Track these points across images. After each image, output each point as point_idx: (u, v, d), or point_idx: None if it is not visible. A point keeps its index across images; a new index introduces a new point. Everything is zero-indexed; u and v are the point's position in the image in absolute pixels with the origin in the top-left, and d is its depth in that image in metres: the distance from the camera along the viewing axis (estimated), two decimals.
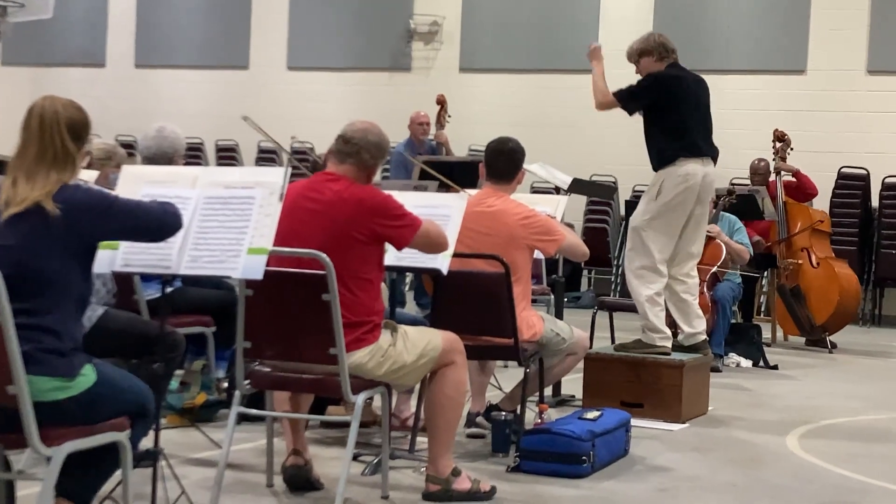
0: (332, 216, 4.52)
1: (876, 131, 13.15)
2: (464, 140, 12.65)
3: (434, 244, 4.76)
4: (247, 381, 4.61)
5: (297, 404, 4.89)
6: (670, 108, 6.75)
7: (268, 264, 4.05)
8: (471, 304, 5.51)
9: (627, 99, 6.81)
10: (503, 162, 5.79)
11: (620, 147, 12.55)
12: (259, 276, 3.96)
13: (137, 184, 4.15)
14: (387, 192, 4.75)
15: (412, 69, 15.41)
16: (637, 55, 6.92)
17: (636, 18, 13.89)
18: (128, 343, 5.01)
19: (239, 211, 4.02)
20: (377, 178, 14.18)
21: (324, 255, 4.30)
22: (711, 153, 6.88)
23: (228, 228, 4.00)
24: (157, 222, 3.74)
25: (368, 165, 4.69)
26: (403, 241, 4.62)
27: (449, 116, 11.17)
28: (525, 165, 7.35)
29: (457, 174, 8.68)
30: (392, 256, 4.94)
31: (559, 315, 7.05)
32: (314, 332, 4.40)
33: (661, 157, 6.76)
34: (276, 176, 4.06)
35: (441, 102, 11.15)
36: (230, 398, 4.84)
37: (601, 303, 8.70)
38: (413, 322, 5.57)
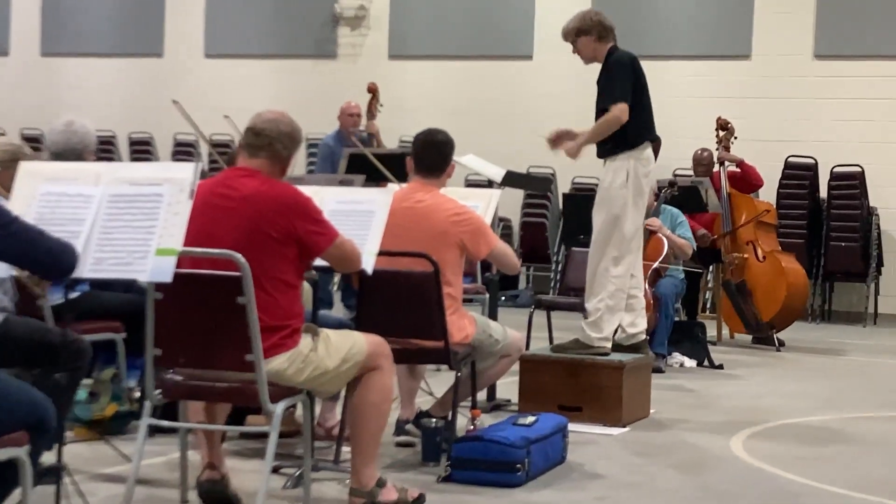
0: (248, 214, 4.49)
1: (824, 118, 13.30)
2: (394, 131, 12.63)
3: (347, 260, 4.74)
4: (158, 391, 4.56)
5: (213, 415, 4.86)
6: (642, 92, 6.81)
7: (178, 266, 4.01)
8: (398, 304, 5.50)
9: (626, 91, 6.66)
10: (433, 155, 5.79)
11: None
12: (168, 278, 3.92)
13: (36, 181, 4.09)
14: (308, 191, 4.74)
15: (338, 56, 15.37)
16: (574, 34, 6.89)
17: (573, 1, 13.93)
18: (29, 352, 4.92)
19: (146, 210, 3.98)
20: (302, 171, 14.16)
21: (238, 256, 4.27)
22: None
23: (135, 228, 3.96)
24: (52, 260, 3.66)
25: (282, 157, 4.66)
26: (318, 248, 4.60)
27: (381, 106, 11.16)
28: (456, 158, 7.38)
29: (387, 167, 8.69)
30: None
31: (493, 315, 7.06)
32: (229, 338, 4.36)
33: (627, 141, 6.74)
34: (186, 172, 4.03)
35: (372, 91, 11.13)
36: (143, 409, 4.79)
37: (538, 301, 8.73)
38: (338, 325, 5.55)
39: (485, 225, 5.82)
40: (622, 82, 6.72)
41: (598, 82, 6.86)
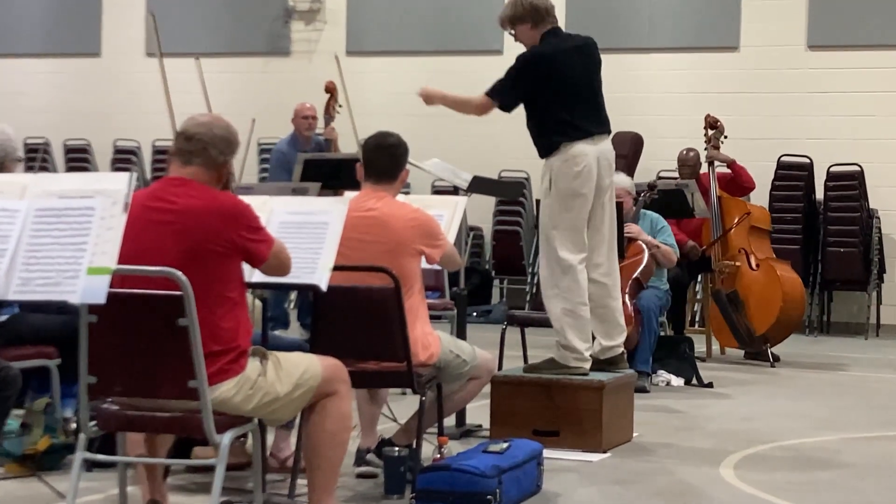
0: (188, 227, 4.49)
1: (819, 114, 13.39)
2: (353, 133, 12.64)
3: (283, 265, 4.78)
4: (93, 423, 4.56)
5: (154, 447, 4.85)
6: (546, 92, 6.81)
7: (113, 285, 4.01)
8: (355, 323, 5.52)
9: (502, 92, 6.80)
10: (384, 159, 5.82)
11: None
12: (101, 299, 3.92)
13: None
14: (257, 201, 4.76)
15: (292, 53, 15.39)
16: (510, 23, 6.97)
17: None
18: None
19: (76, 225, 3.98)
20: (254, 178, 14.12)
21: (178, 273, 4.27)
22: (602, 129, 6.91)
23: (64, 245, 3.96)
24: None
25: (218, 163, 4.67)
26: (261, 256, 4.63)
27: (340, 106, 11.17)
28: (419, 163, 7.42)
29: (344, 173, 8.70)
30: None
31: (462, 333, 7.08)
32: (170, 363, 4.36)
33: (545, 145, 6.83)
34: (119, 183, 4.03)
35: (331, 90, 11.14)
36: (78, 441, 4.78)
37: (511, 317, 8.74)
38: (291, 347, 5.54)
39: (437, 225, 5.87)
40: (502, 81, 6.83)
41: None
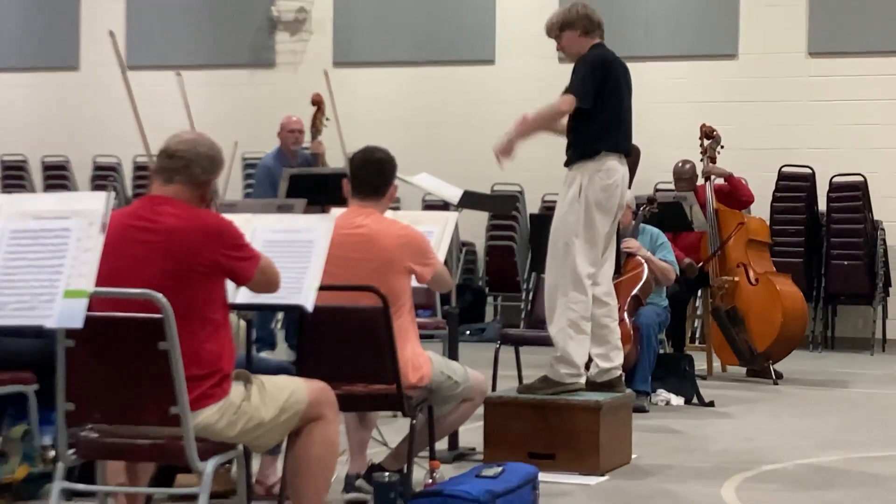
0: (169, 247, 4.49)
1: (820, 123, 13.41)
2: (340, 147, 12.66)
3: (271, 283, 4.78)
4: (72, 451, 4.54)
5: (136, 475, 4.84)
6: (611, 98, 6.86)
7: (91, 309, 4.00)
8: (343, 344, 5.51)
9: (585, 92, 6.77)
10: (372, 175, 5.82)
11: (527, 149, 12.63)
12: (79, 323, 3.92)
13: None
14: (240, 219, 4.76)
15: (277, 65, 15.40)
16: (558, 28, 6.99)
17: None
18: None
19: (52, 247, 3.98)
20: (238, 195, 14.10)
21: (159, 296, 4.26)
22: (629, 151, 7.04)
23: (40, 268, 3.95)
24: None
25: (201, 182, 4.67)
26: (247, 275, 4.63)
27: (327, 119, 11.18)
28: (408, 178, 7.42)
29: (331, 189, 8.70)
30: (246, 293, 4.92)
31: (454, 352, 7.07)
32: (151, 389, 4.36)
33: (584, 149, 6.83)
34: (97, 203, 4.02)
35: (317, 103, 11.14)
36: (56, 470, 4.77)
37: (505, 336, 8.74)
38: (276, 370, 5.54)
39: (428, 243, 5.88)
40: (581, 79, 6.81)
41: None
